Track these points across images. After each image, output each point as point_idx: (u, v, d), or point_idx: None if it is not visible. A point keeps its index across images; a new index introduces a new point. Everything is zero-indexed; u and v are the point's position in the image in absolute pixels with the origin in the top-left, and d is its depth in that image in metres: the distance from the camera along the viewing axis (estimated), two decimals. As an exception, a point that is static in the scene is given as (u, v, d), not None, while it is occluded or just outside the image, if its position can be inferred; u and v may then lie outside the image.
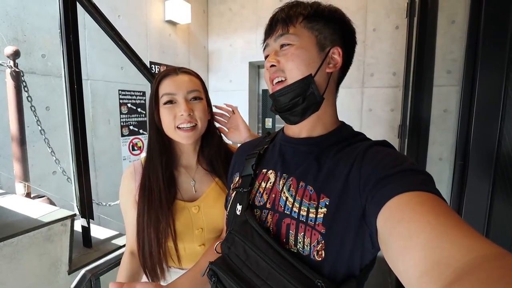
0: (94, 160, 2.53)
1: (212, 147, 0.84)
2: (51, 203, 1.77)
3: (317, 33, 0.54)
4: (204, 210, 0.79)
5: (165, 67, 3.17)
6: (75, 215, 1.23)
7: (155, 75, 1.10)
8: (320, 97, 0.54)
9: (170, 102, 0.75)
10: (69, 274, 1.18)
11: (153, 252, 0.74)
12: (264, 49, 0.60)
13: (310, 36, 0.54)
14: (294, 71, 0.53)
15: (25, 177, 1.66)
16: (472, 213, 0.76)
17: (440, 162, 2.65)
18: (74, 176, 1.45)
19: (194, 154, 0.85)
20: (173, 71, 0.78)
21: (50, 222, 1.10)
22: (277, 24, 0.56)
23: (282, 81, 0.55)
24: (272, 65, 0.55)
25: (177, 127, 0.75)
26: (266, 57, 0.59)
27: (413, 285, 0.32)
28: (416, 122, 1.88)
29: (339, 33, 0.56)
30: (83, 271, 0.99)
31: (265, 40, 0.59)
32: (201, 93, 0.79)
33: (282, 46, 0.55)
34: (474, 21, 0.74)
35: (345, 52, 0.57)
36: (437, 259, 0.30)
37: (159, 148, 0.78)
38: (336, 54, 0.55)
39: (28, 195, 1.67)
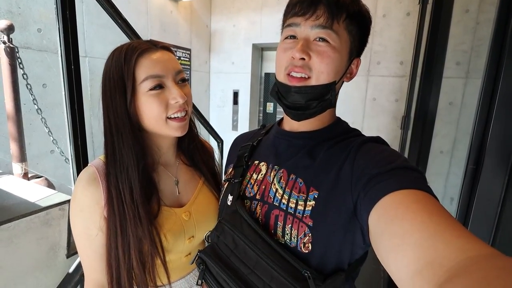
0: (92, 140, 2.49)
1: (191, 138, 0.73)
2: (49, 183, 1.76)
3: (352, 39, 0.51)
4: (196, 216, 0.68)
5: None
6: (73, 199, 1.22)
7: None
8: (333, 104, 0.53)
9: (158, 87, 0.60)
10: (67, 257, 1.18)
11: (139, 280, 0.61)
12: (289, 24, 0.51)
13: (347, 41, 0.50)
14: (323, 75, 0.49)
15: (22, 156, 1.63)
16: (480, 221, 0.74)
17: (441, 155, 2.64)
18: (71, 157, 1.42)
19: (173, 148, 0.71)
20: (150, 46, 0.62)
21: (48, 206, 1.08)
22: (320, 6, 0.47)
23: (303, 78, 0.50)
24: (302, 58, 0.49)
25: (168, 117, 0.61)
26: (289, 36, 0.51)
27: (406, 284, 0.32)
28: (421, 114, 1.84)
29: (363, 44, 0.54)
30: (82, 256, 0.98)
31: (293, 14, 0.50)
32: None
33: (319, 39, 0.48)
34: (504, 7, 0.68)
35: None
36: (430, 258, 0.30)
37: (137, 150, 0.61)
38: (355, 65, 0.54)
39: (25, 175, 1.65)
